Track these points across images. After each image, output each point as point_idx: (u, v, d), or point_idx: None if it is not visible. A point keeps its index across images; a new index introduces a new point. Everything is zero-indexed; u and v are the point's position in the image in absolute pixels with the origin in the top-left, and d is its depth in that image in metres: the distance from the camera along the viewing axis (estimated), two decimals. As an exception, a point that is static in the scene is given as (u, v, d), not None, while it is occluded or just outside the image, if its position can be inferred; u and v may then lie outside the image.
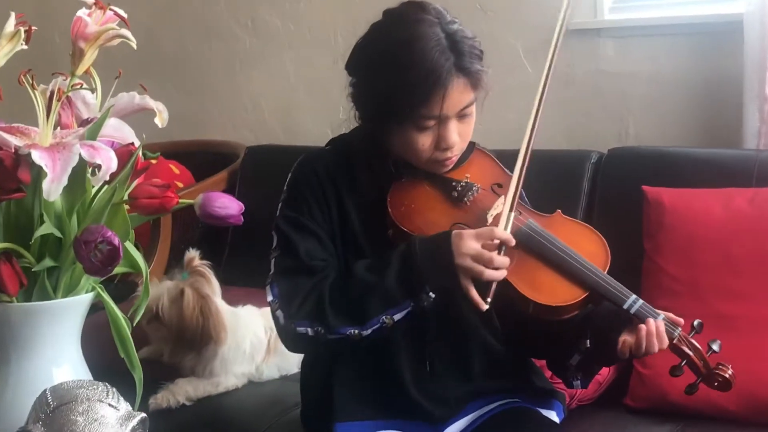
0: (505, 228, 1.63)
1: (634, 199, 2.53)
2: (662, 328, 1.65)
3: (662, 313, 1.68)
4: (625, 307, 1.67)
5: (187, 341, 2.39)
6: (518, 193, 1.73)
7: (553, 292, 1.68)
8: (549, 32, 3.13)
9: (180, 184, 3.38)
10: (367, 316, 1.67)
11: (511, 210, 1.67)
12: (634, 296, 1.68)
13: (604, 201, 2.69)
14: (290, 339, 1.75)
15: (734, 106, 2.80)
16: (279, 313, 1.73)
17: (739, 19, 2.73)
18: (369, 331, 1.67)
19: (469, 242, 1.60)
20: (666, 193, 2.48)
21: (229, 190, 3.26)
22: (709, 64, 2.92)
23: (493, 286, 1.60)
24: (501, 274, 1.60)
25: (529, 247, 1.72)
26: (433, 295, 1.63)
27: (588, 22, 3.08)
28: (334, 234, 1.78)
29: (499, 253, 1.60)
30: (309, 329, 1.70)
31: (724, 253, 2.33)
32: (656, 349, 1.64)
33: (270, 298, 1.76)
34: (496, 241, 1.61)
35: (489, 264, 1.58)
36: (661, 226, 2.43)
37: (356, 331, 1.68)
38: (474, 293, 1.60)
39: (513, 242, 1.61)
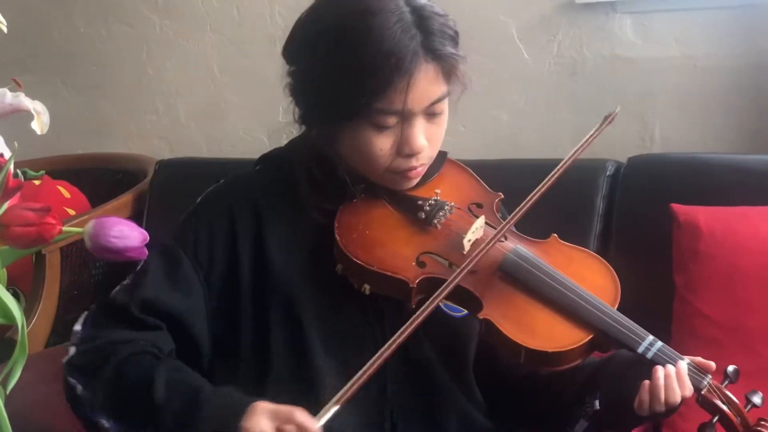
0: (320, 418, 1.55)
1: (662, 221, 2.57)
2: (684, 370, 1.67)
3: (688, 358, 1.71)
4: (640, 351, 1.69)
5: None
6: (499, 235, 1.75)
7: (550, 335, 1.70)
8: (548, 6, 3.19)
9: (71, 211, 3.37)
10: (125, 417, 1.70)
11: (346, 393, 1.57)
12: (651, 337, 1.70)
13: (624, 224, 2.73)
14: (63, 386, 1.78)
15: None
16: (72, 349, 1.78)
17: (794, -11, 2.79)
18: None
19: (261, 419, 1.57)
20: (702, 212, 2.52)
21: (136, 217, 3.25)
22: (756, 47, 2.96)
23: None
24: None
25: (517, 279, 1.74)
26: None
27: (599, -7, 3.12)
28: (225, 286, 1.80)
29: None
30: (79, 386, 1.74)
31: (777, 289, 2.36)
32: (678, 397, 1.66)
33: (77, 327, 1.80)
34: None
35: None
36: (695, 255, 2.47)
37: (106, 424, 1.71)
38: None
39: None
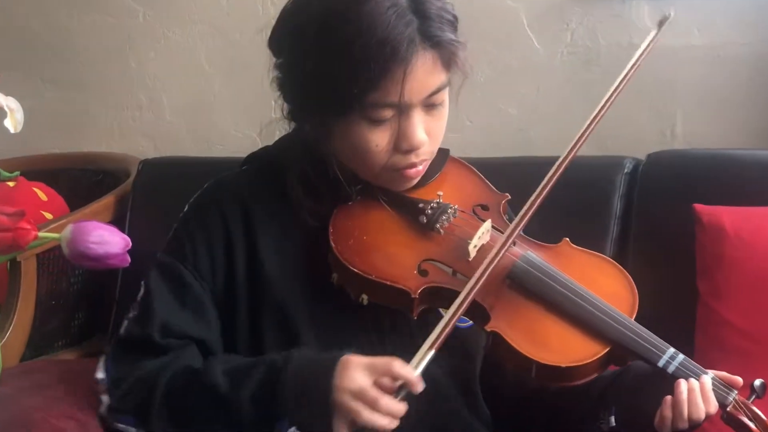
0: (417, 366, 1.58)
1: (684, 223, 2.57)
2: (708, 385, 1.67)
3: (712, 372, 1.71)
4: (660, 365, 1.69)
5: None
6: (511, 238, 1.74)
7: (563, 348, 1.69)
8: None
9: (48, 215, 3.37)
10: (200, 429, 1.69)
11: (441, 334, 1.60)
12: (671, 350, 1.70)
13: (643, 226, 2.72)
14: None
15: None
16: (104, 398, 1.77)
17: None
18: None
19: (356, 374, 1.59)
20: (727, 213, 2.52)
21: (118, 221, 3.25)
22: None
23: None
24: (383, 423, 1.58)
25: (527, 288, 1.74)
26: None
27: (615, -23, 3.12)
28: (234, 292, 1.81)
29: (396, 396, 1.57)
30: (132, 429, 1.73)
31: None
32: (703, 413, 1.66)
33: (100, 375, 1.78)
34: (398, 382, 1.59)
35: (372, 405, 1.58)
36: (720, 259, 2.47)
37: None
38: None
39: (418, 389, 1.59)
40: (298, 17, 1.75)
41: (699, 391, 1.65)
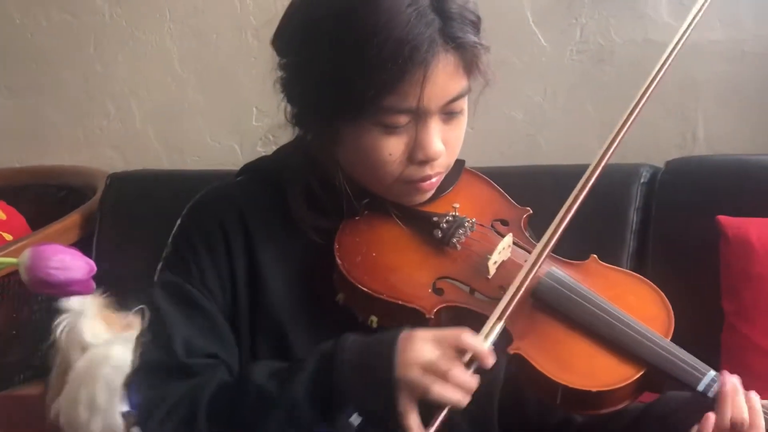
0: (487, 337, 1.62)
1: (706, 237, 2.57)
2: (758, 404, 1.67)
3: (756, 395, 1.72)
4: (700, 389, 1.68)
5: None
6: (541, 260, 1.74)
7: (592, 371, 1.69)
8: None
9: (8, 236, 3.37)
10: None
11: (508, 306, 1.65)
12: (712, 372, 1.70)
13: (662, 240, 2.73)
14: None
15: None
16: (136, 431, 1.75)
17: None
18: None
19: (423, 346, 1.60)
20: (755, 226, 2.52)
21: (84, 241, 3.24)
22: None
23: (443, 414, 1.58)
24: (456, 397, 1.58)
25: (553, 307, 1.74)
26: (357, 422, 1.62)
27: (629, -33, 3.13)
28: (236, 309, 1.80)
29: (467, 368, 1.59)
30: None
31: None
32: (746, 414, 1.66)
33: (125, 408, 1.78)
34: (467, 356, 1.60)
35: (443, 377, 1.58)
36: (747, 276, 2.48)
37: None
38: (413, 421, 1.59)
39: (489, 362, 1.60)
40: (309, 12, 1.76)
41: (741, 392, 1.67)
